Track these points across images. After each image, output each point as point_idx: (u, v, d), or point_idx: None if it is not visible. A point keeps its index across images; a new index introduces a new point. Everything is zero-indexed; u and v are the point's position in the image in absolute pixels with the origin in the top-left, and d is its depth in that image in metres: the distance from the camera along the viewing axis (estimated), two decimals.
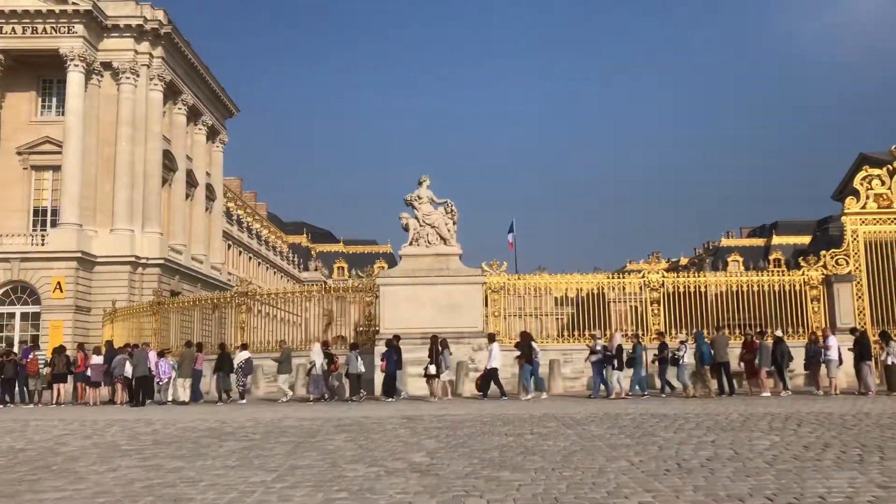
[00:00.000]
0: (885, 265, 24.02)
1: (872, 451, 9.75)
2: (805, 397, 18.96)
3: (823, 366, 20.23)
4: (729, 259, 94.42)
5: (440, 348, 20.50)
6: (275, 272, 77.20)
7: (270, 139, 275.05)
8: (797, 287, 24.17)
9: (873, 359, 20.37)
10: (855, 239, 24.25)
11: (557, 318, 39.14)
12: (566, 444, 10.77)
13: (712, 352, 20.15)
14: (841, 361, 20.16)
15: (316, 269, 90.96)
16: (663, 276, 24.38)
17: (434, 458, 9.75)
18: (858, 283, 23.89)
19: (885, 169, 24.57)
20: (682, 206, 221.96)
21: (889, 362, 19.73)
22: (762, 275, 25.33)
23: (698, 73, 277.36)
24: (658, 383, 21.00)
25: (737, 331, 23.38)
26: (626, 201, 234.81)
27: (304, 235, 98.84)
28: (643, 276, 24.42)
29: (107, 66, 41.55)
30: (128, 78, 41.68)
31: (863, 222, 24.28)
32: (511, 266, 29.43)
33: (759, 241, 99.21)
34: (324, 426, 13.83)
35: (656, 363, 20.80)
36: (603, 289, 25.37)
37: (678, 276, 25.76)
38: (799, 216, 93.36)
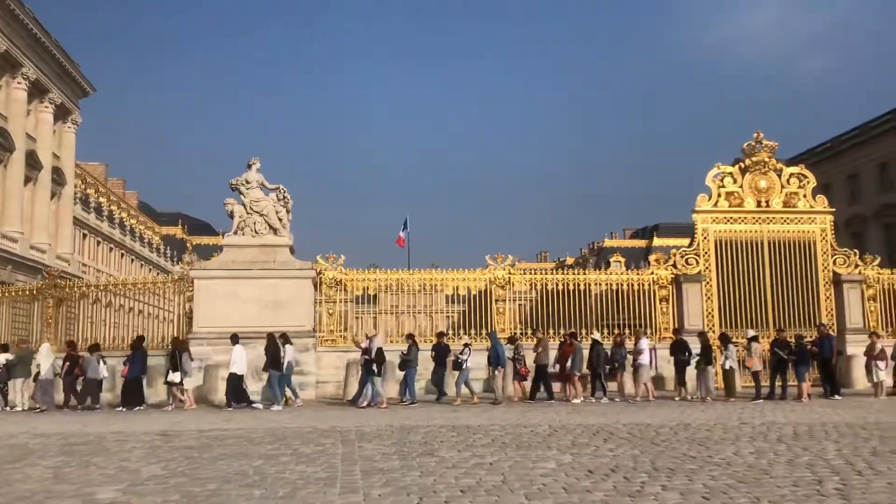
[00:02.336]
0: (736, 265, 23.38)
1: (660, 476, 8.36)
2: (631, 405, 17.76)
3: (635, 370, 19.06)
4: (611, 259, 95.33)
5: (180, 352, 18.26)
6: (142, 265, 72.69)
7: (147, 126, 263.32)
8: (646, 287, 23.24)
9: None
10: (705, 238, 23.48)
11: (446, 316, 37.63)
12: (316, 470, 8.94)
13: (523, 355, 18.78)
14: (653, 366, 19.17)
15: (189, 263, 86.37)
16: (510, 273, 22.94)
17: (129, 491, 7.74)
18: (708, 282, 23.13)
19: (737, 167, 23.93)
20: (573, 208, 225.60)
21: (727, 367, 18.87)
22: (611, 273, 24.34)
23: (590, 75, 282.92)
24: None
25: (583, 331, 22.11)
26: (517, 201, 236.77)
27: (180, 227, 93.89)
28: (490, 272, 22.88)
29: None
30: None
31: (713, 220, 23.54)
32: (403, 263, 27.75)
33: (641, 243, 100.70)
34: (47, 445, 11.52)
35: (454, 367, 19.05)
36: (482, 287, 23.75)
37: (527, 273, 24.47)
38: (680, 219, 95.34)
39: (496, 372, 18.50)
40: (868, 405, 17.10)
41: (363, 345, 18.55)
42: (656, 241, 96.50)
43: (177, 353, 18.24)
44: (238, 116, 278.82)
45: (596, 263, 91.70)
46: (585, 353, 19.12)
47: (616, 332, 20.75)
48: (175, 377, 18.12)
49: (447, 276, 23.38)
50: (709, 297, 23.05)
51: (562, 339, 19.61)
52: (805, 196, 23.95)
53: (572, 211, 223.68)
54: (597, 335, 19.85)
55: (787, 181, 23.93)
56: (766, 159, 23.76)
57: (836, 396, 18.47)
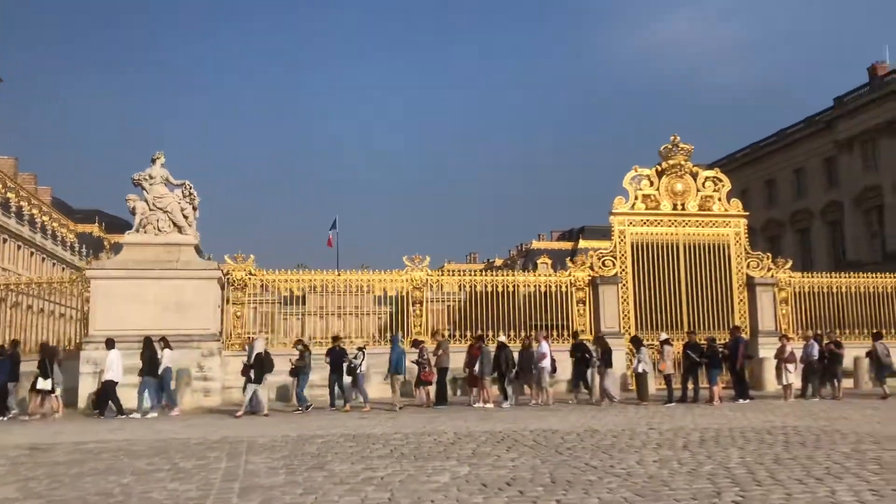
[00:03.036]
0: (652, 267, 23.39)
1: (556, 489, 7.96)
2: (541, 410, 17.39)
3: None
4: (539, 261, 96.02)
5: (49, 359, 17.15)
6: (54, 263, 69.66)
7: (62, 118, 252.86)
8: (563, 289, 23.05)
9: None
10: (622, 240, 23.42)
11: (377, 318, 36.72)
12: (189, 488, 8.25)
13: (429, 359, 18.28)
14: (554, 370, 18.93)
15: (89, 262, 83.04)
16: (427, 275, 22.43)
17: None
18: (624, 284, 23.05)
19: (653, 169, 23.95)
20: (504, 209, 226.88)
21: (640, 370, 18.74)
22: (534, 275, 24.09)
23: (519, 78, 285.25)
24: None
25: (511, 333, 21.76)
26: (449, 202, 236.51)
27: (97, 224, 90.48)
28: (407, 273, 22.32)
29: None
30: None
31: (630, 223, 23.49)
32: (332, 263, 26.89)
33: (568, 245, 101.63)
34: None
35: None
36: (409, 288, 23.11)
37: (445, 275, 24.02)
38: (606, 222, 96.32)
39: (395, 377, 17.91)
40: (776, 408, 17.17)
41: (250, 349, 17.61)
42: (582, 244, 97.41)
43: (45, 360, 16.99)
44: (159, 109, 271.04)
45: (524, 265, 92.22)
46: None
47: (523, 334, 20.37)
48: (46, 384, 16.90)
49: (363, 278, 22.73)
50: (625, 299, 22.99)
51: (469, 343, 19.17)
52: (720, 199, 24.13)
53: (503, 213, 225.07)
54: (503, 338, 19.43)
55: (703, 185, 24.07)
56: (683, 162, 23.85)
57: (742, 400, 18.49)
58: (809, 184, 52.33)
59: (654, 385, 20.32)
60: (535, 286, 23.15)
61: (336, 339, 19.07)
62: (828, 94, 46.66)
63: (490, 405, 17.93)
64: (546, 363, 18.22)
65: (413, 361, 18.46)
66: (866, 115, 46.33)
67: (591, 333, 22.53)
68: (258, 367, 16.87)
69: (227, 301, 21.06)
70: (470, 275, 25.39)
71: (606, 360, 18.52)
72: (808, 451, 10.40)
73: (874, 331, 21.67)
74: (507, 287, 22.78)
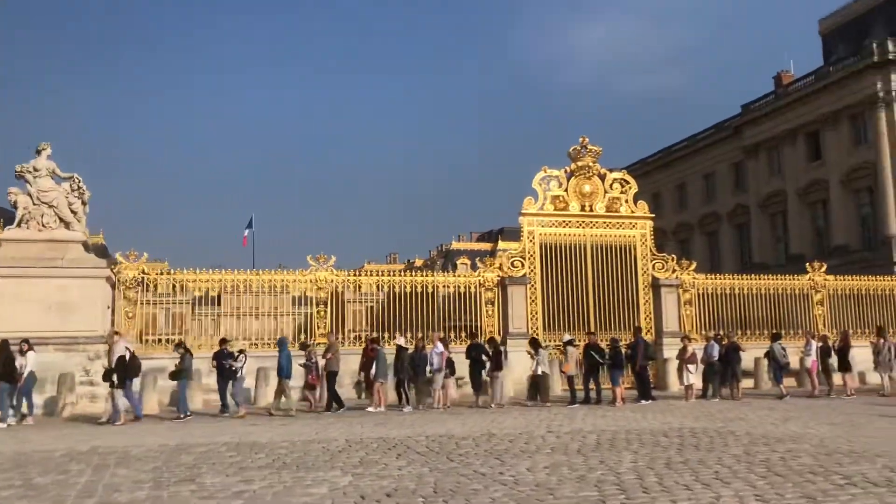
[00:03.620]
0: (561, 268, 23.33)
1: (437, 500, 7.58)
2: (440, 413, 17.00)
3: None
4: (458, 261, 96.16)
5: None
6: None
7: None
8: (473, 290, 22.77)
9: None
10: (531, 240, 23.28)
11: (293, 318, 35.78)
12: None
13: (319, 362, 17.70)
14: (453, 371, 18.63)
15: None
16: (334, 275, 21.80)
17: None
18: (532, 285, 22.92)
19: (562, 171, 23.93)
20: (425, 210, 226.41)
21: (539, 371, 18.56)
22: (441, 276, 23.76)
23: (440, 78, 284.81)
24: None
25: (420, 334, 21.25)
26: (368, 202, 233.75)
27: None
28: (311, 273, 21.63)
29: None
30: None
31: (539, 224, 23.37)
32: (248, 262, 25.89)
33: (487, 245, 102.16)
34: None
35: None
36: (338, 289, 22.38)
37: (354, 276, 23.41)
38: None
39: (283, 382, 17.24)
40: (677, 409, 17.24)
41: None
42: (501, 244, 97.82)
43: None
44: (54, 97, 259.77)
45: (443, 265, 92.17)
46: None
47: (419, 335, 19.94)
48: None
49: (265, 278, 21.91)
50: (533, 300, 22.85)
51: (364, 345, 18.66)
52: (627, 201, 24.26)
53: (428, 214, 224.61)
54: (401, 340, 18.96)
55: (611, 186, 24.17)
56: (591, 164, 23.89)
57: (645, 401, 18.53)
58: (718, 188, 53.75)
59: (558, 386, 20.24)
60: (453, 286, 22.79)
61: (224, 341, 18.28)
62: (738, 101, 48.30)
63: (382, 409, 17.41)
64: (437, 364, 17.82)
65: (300, 364, 17.80)
66: (772, 123, 47.84)
67: (499, 334, 22.37)
68: (120, 370, 15.81)
69: (123, 300, 19.95)
70: (389, 275, 24.88)
71: (497, 363, 18.29)
72: (701, 454, 10.30)
73: (773, 332, 22.13)
74: (426, 287, 22.34)
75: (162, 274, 21.06)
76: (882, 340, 20.57)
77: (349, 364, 19.27)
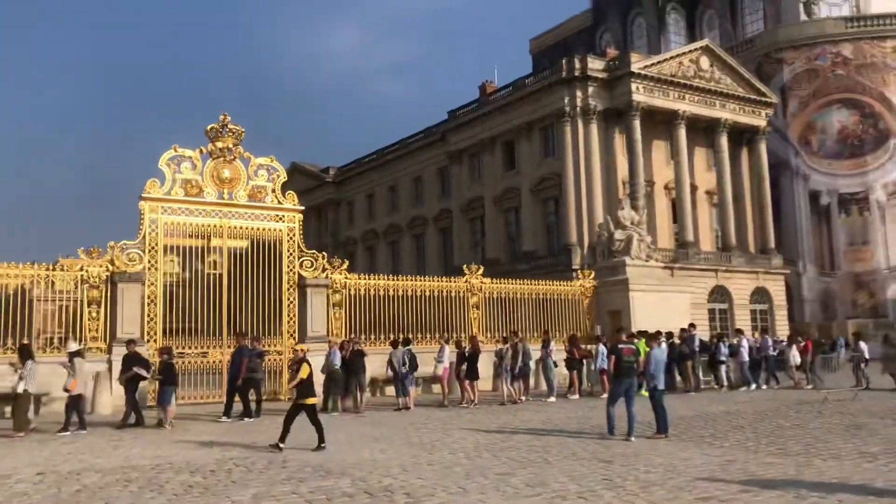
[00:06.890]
0: (191, 263, 20.37)
1: None
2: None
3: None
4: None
5: None
6: None
7: None
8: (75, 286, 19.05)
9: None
10: (153, 230, 19.93)
11: None
12: None
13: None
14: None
15: None
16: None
17: None
18: (152, 283, 19.63)
19: (197, 151, 20.90)
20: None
21: (20, 389, 14.20)
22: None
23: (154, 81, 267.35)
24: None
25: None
26: (56, 199, 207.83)
27: None
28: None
29: None
30: None
31: (165, 211, 20.16)
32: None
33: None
34: None
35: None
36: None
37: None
38: None
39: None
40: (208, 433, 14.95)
41: None
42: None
43: None
44: None
45: None
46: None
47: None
48: None
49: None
50: (152, 301, 19.54)
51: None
52: (274, 191, 21.77)
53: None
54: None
55: (255, 173, 21.55)
56: (232, 146, 21.09)
57: (247, 419, 16.09)
58: (426, 192, 53.80)
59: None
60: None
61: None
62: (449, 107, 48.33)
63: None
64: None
65: None
66: (474, 130, 48.43)
67: (104, 341, 18.93)
68: None
69: None
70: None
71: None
72: None
73: (406, 336, 20.69)
74: None
75: None
76: (512, 345, 19.98)
77: None
